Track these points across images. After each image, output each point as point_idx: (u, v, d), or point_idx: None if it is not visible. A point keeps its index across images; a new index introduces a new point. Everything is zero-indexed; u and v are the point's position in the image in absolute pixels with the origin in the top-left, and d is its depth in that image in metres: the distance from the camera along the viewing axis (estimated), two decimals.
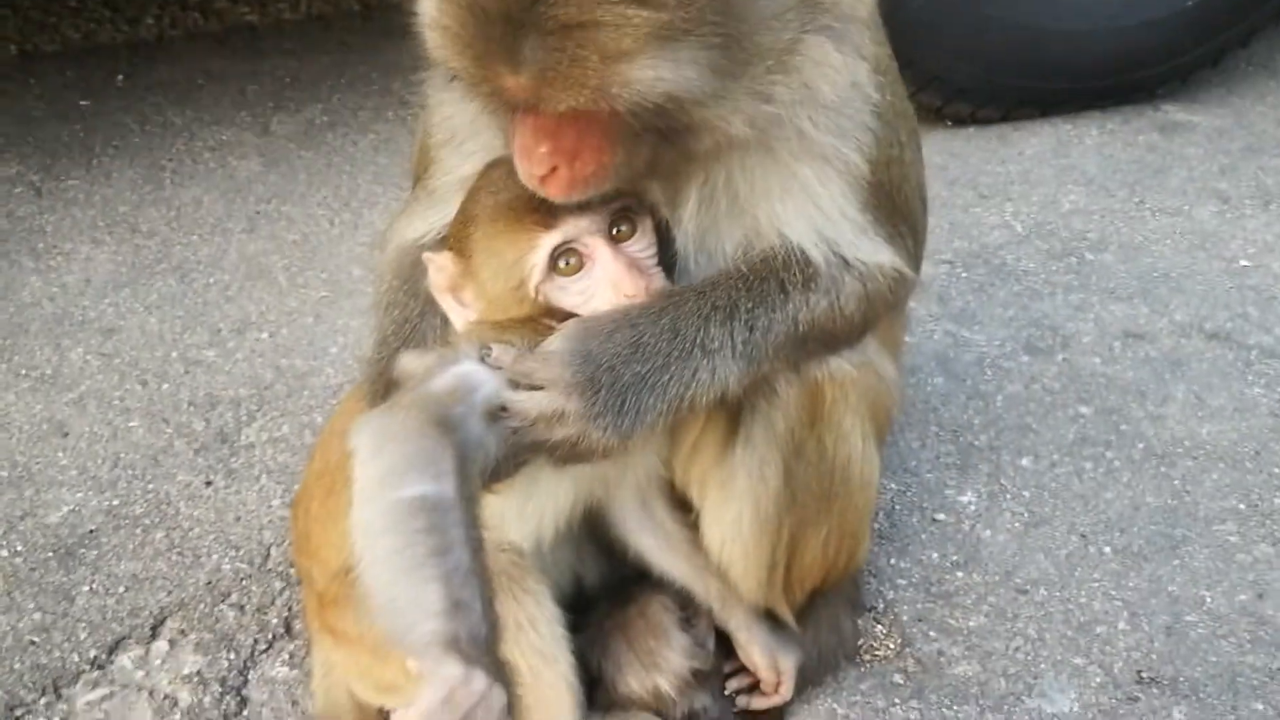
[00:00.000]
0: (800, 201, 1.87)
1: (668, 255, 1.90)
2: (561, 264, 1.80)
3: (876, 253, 1.93)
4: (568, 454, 1.78)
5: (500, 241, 1.81)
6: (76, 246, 3.86)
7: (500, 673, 1.27)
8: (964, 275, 3.62)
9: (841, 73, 1.81)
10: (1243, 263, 3.65)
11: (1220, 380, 3.15)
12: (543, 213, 1.77)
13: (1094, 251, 3.73)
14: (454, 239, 1.91)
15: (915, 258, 2.07)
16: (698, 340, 1.82)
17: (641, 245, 1.83)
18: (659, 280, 1.85)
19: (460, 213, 1.90)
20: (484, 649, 1.26)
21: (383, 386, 1.99)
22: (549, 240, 1.77)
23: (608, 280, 1.80)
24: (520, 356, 1.74)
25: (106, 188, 4.21)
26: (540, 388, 1.74)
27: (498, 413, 1.70)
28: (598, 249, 1.79)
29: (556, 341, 1.77)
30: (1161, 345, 3.29)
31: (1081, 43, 4.37)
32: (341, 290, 3.62)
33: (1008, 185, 4.10)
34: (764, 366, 1.90)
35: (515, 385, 1.73)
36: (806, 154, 1.84)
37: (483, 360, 1.73)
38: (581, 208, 1.76)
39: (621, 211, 1.80)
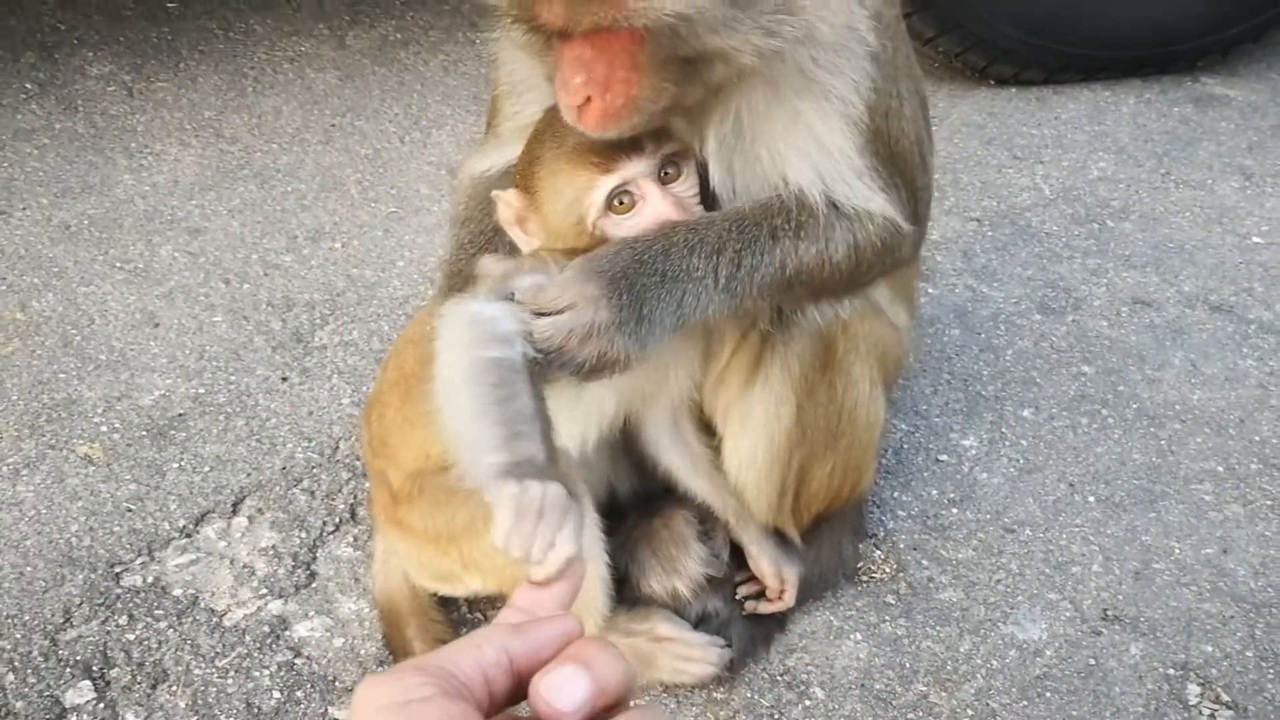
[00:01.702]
0: (801, 136, 2.04)
1: (707, 195, 2.12)
2: (616, 203, 2.02)
3: (870, 198, 2.08)
4: (594, 367, 1.93)
5: (562, 180, 2.03)
6: (166, 147, 4.13)
7: (560, 478, 1.40)
8: (990, 233, 3.83)
9: (838, 14, 1.98)
10: (1255, 239, 3.84)
11: (1217, 350, 3.37)
12: (602, 159, 1.99)
13: (1115, 219, 3.92)
14: (520, 176, 2.13)
15: (912, 212, 2.19)
16: (684, 267, 2.00)
17: (686, 187, 2.07)
18: (699, 214, 2.07)
19: (526, 152, 2.12)
20: (540, 467, 1.43)
21: (460, 283, 2.23)
22: (607, 183, 1.99)
23: (655, 216, 2.03)
24: (536, 290, 1.93)
25: (193, 91, 4.46)
26: (562, 312, 1.92)
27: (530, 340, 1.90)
28: (648, 190, 2.02)
29: (568, 272, 1.97)
30: (1167, 313, 3.51)
31: (1125, 11, 4.50)
32: (409, 207, 3.88)
33: (1041, 148, 4.28)
34: (748, 302, 2.08)
35: (539, 315, 1.92)
36: (807, 91, 2.02)
37: (512, 299, 1.91)
38: (634, 154, 1.98)
39: (669, 157, 2.03)
